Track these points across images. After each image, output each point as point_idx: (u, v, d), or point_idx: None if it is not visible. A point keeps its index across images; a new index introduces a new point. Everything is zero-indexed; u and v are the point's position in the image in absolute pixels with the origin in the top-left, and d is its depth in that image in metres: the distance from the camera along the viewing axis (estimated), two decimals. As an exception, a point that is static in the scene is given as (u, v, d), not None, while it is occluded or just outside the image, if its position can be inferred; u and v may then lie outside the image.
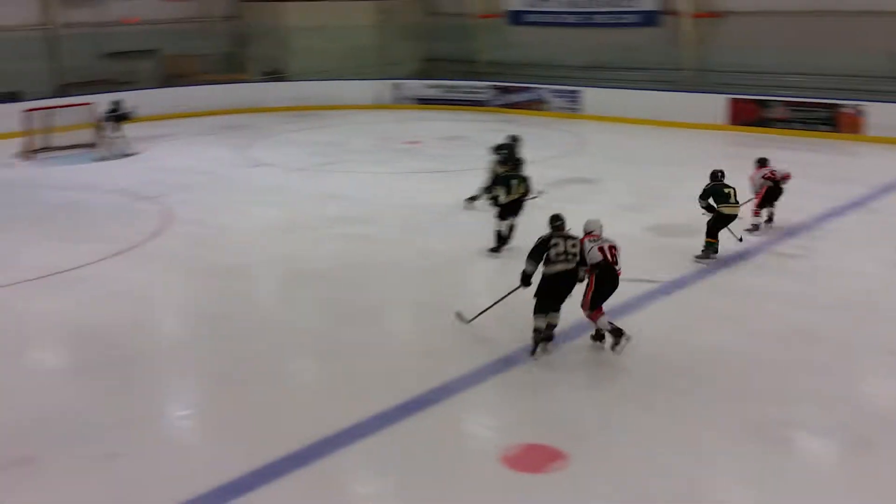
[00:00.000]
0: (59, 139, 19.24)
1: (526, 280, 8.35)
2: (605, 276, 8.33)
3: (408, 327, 9.78)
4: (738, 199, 11.23)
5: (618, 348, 8.27)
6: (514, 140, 13.75)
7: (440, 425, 7.25)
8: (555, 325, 8.37)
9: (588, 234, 8.59)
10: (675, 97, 21.98)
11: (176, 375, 8.44)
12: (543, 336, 8.30)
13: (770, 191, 12.29)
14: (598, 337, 8.57)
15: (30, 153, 18.64)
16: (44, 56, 23.90)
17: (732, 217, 11.17)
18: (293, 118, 23.57)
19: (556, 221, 8.53)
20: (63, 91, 23.53)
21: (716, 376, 8.04)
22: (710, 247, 11.17)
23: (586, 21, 24.63)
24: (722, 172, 11.46)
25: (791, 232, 12.45)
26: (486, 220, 13.33)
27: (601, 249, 8.33)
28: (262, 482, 6.35)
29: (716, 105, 21.14)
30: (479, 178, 13.93)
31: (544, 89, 23.99)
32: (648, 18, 23.64)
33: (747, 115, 20.83)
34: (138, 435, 7.07)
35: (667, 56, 23.13)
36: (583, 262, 8.30)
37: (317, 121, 23.38)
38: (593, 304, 8.37)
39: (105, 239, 12.54)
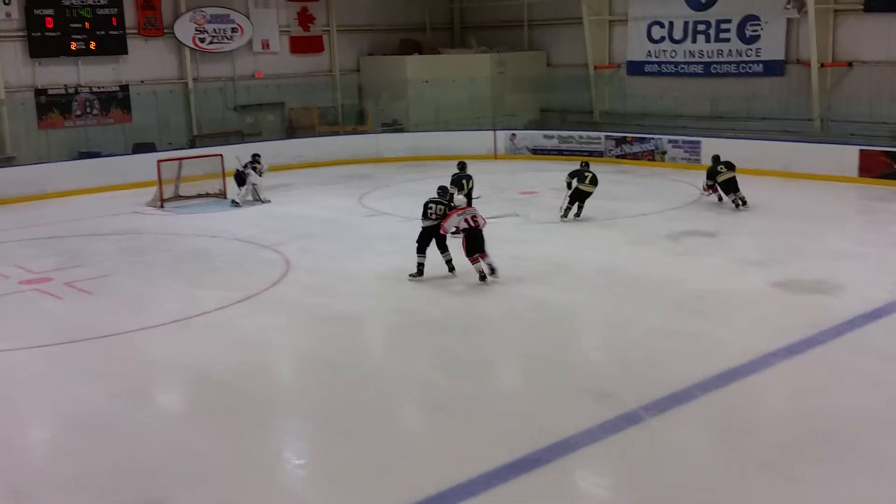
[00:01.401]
0: (188, 188, 20.15)
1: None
2: (472, 235, 12.35)
3: (520, 381, 9.64)
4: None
5: (489, 279, 12.35)
6: (462, 166, 17.07)
7: (553, 485, 7.06)
8: (423, 264, 12.68)
9: (455, 209, 12.88)
10: (800, 148, 21.28)
11: (292, 422, 8.56)
12: (419, 271, 12.73)
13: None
14: (482, 278, 12.40)
15: (161, 202, 19.53)
16: (178, 109, 25.20)
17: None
18: (410, 168, 23.97)
19: (439, 191, 13.30)
20: (194, 142, 24.74)
21: (860, 444, 7.52)
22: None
23: (708, 71, 24.28)
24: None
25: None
26: (596, 275, 13.16)
27: (465, 220, 12.33)
28: (375, 536, 6.32)
29: (844, 156, 20.32)
30: (593, 228, 13.78)
31: (662, 139, 23.65)
32: (773, 68, 23.11)
33: (879, 167, 19.93)
34: (255, 481, 7.16)
35: (792, 106, 22.48)
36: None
37: (433, 171, 23.69)
38: (469, 253, 12.41)
39: (229, 286, 12.95)
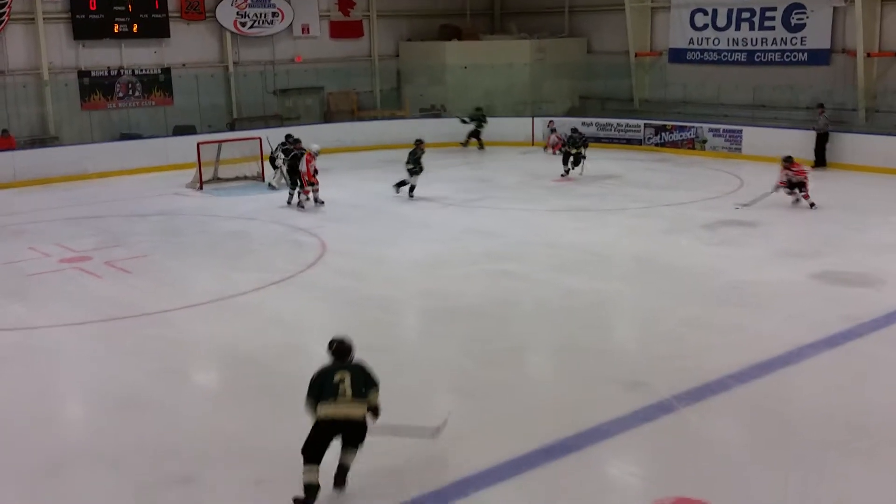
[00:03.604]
0: (227, 171, 20.32)
1: None
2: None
3: (552, 369, 9.62)
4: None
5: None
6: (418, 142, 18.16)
7: (585, 472, 7.04)
8: None
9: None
10: (845, 138, 20.88)
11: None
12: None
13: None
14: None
15: (201, 184, 19.73)
16: (218, 92, 25.41)
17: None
18: (447, 154, 23.93)
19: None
20: (233, 125, 24.94)
21: None
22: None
23: (751, 59, 23.91)
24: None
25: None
26: (632, 264, 13.06)
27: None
28: (405, 518, 6.35)
29: (889, 147, 19.94)
30: (629, 217, 13.67)
31: (703, 128, 23.35)
32: (818, 57, 22.70)
33: (926, 159, 19.51)
34: (284, 462, 7.20)
35: (836, 95, 22.07)
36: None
37: (469, 156, 23.67)
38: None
39: (264, 268, 13.05)
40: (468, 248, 14.11)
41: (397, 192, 18.02)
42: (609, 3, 26.94)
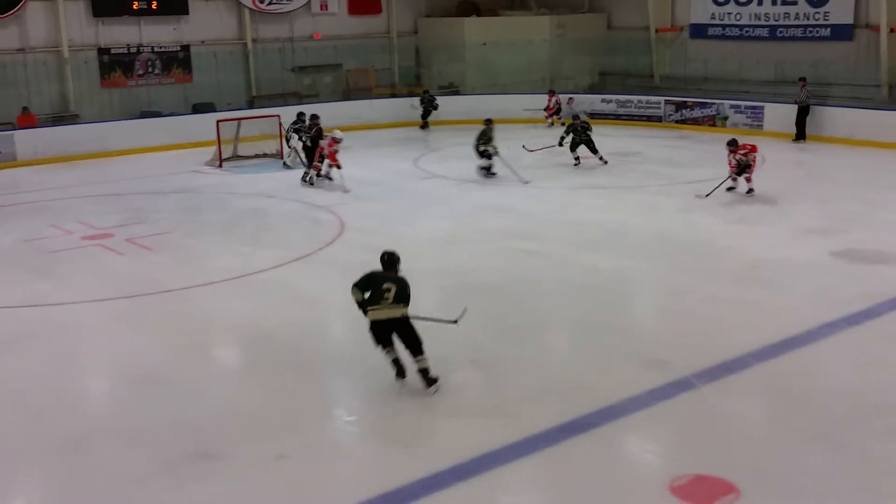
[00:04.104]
0: (246, 148, 20.37)
1: None
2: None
3: (570, 345, 9.63)
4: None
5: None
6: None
7: (603, 449, 7.06)
8: None
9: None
10: (868, 115, 20.65)
11: (343, 380, 8.68)
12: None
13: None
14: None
15: (220, 161, 19.79)
16: (237, 69, 25.43)
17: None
18: (466, 131, 23.83)
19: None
20: (252, 103, 24.97)
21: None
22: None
23: (773, 35, 23.64)
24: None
25: None
26: (652, 242, 13.01)
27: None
28: (424, 492, 6.39)
29: (914, 124, 19.72)
30: (649, 195, 13.59)
31: (724, 105, 23.14)
32: (841, 32, 22.41)
33: (950, 135, 19.28)
34: (306, 438, 7.29)
35: (860, 71, 21.81)
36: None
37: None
38: None
39: (284, 245, 13.11)
40: (486, 225, 14.10)
41: (486, 175, 17.36)
42: (629, -23, 26.71)
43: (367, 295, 8.02)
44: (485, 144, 17.29)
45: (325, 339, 9.83)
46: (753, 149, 15.18)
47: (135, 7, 23.32)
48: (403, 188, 17.21)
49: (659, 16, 26.13)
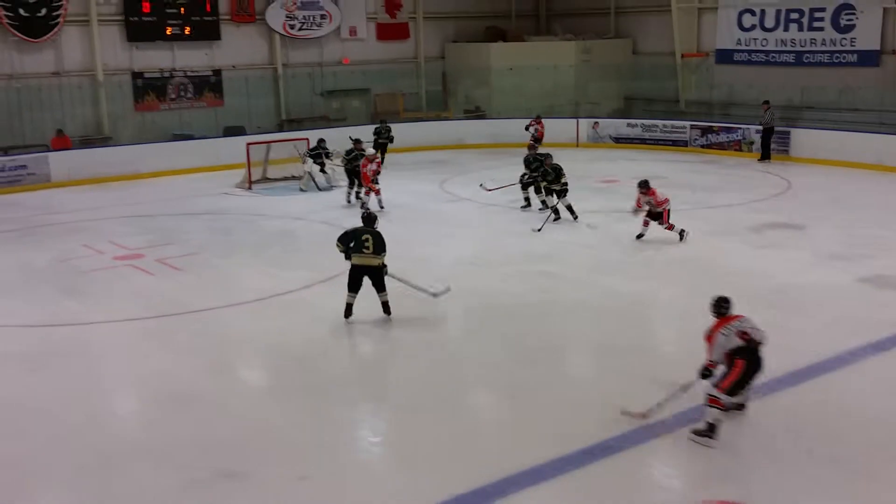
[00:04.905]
0: (275, 171, 20.64)
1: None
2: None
3: (592, 368, 9.67)
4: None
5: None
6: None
7: (625, 474, 7.08)
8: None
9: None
10: (893, 140, 20.54)
11: (368, 401, 8.78)
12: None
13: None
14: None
15: (250, 183, 20.06)
16: (267, 93, 25.80)
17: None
18: (491, 155, 24.03)
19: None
20: (281, 126, 25.31)
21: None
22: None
23: (800, 60, 23.63)
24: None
25: None
26: (674, 265, 13.02)
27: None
28: (445, 514, 6.46)
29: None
30: (673, 219, 13.61)
31: (750, 129, 23.12)
32: (868, 58, 22.36)
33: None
34: (329, 459, 7.38)
35: (887, 97, 21.73)
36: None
37: (513, 158, 23.67)
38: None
39: (311, 266, 13.27)
40: (508, 247, 14.20)
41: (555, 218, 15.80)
42: (655, 3, 26.82)
43: (352, 244, 10.31)
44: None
45: (350, 361, 9.95)
46: (659, 201, 14.08)
47: (168, 32, 23.78)
48: (429, 210, 17.37)
49: (685, 41, 26.22)
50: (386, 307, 10.60)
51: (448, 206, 17.81)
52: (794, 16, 23.78)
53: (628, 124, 25.50)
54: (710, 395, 7.35)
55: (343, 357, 9.92)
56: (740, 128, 23.33)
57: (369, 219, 10.67)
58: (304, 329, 10.62)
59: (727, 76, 25.44)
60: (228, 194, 19.58)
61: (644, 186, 14.13)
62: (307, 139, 20.78)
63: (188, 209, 18.03)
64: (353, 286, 10.49)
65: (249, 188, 19.94)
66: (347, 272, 10.46)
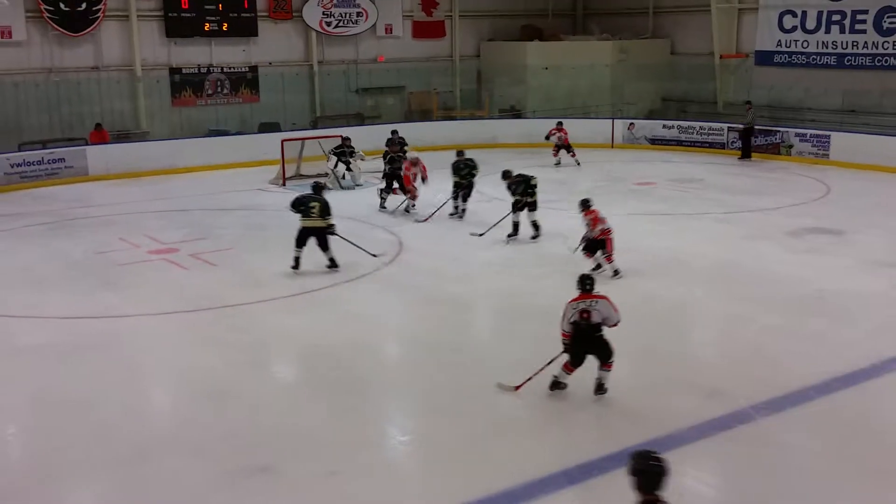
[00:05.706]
0: (310, 168, 20.70)
1: None
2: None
3: (627, 373, 9.51)
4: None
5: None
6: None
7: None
8: None
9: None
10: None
11: (397, 399, 8.75)
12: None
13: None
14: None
15: (284, 180, 20.13)
16: (302, 90, 25.90)
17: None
18: (525, 154, 23.90)
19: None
20: (316, 123, 25.40)
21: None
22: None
23: (841, 63, 23.25)
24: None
25: None
26: (716, 267, 12.85)
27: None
28: (475, 516, 6.42)
29: None
30: (710, 222, 13.42)
31: (789, 133, 22.79)
32: (913, 60, 21.97)
33: None
34: (358, 456, 7.36)
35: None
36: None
37: (547, 157, 23.58)
38: None
39: (344, 264, 13.26)
40: (543, 249, 14.09)
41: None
42: (694, 3, 26.55)
43: (301, 209, 12.31)
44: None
45: (380, 358, 9.92)
46: (595, 221, 12.28)
47: (206, 28, 23.94)
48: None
49: (724, 42, 25.92)
50: (333, 262, 12.59)
51: (481, 205, 17.69)
52: (836, 17, 23.40)
53: (664, 125, 25.24)
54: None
55: (373, 355, 9.89)
56: (779, 130, 23.00)
57: (317, 187, 12.77)
58: (335, 326, 10.62)
59: (766, 78, 25.09)
60: (262, 190, 19.66)
61: (584, 206, 12.40)
62: (342, 136, 20.76)
63: (223, 204, 18.13)
64: (300, 243, 12.46)
65: (283, 184, 20.02)
66: (297, 231, 12.46)
